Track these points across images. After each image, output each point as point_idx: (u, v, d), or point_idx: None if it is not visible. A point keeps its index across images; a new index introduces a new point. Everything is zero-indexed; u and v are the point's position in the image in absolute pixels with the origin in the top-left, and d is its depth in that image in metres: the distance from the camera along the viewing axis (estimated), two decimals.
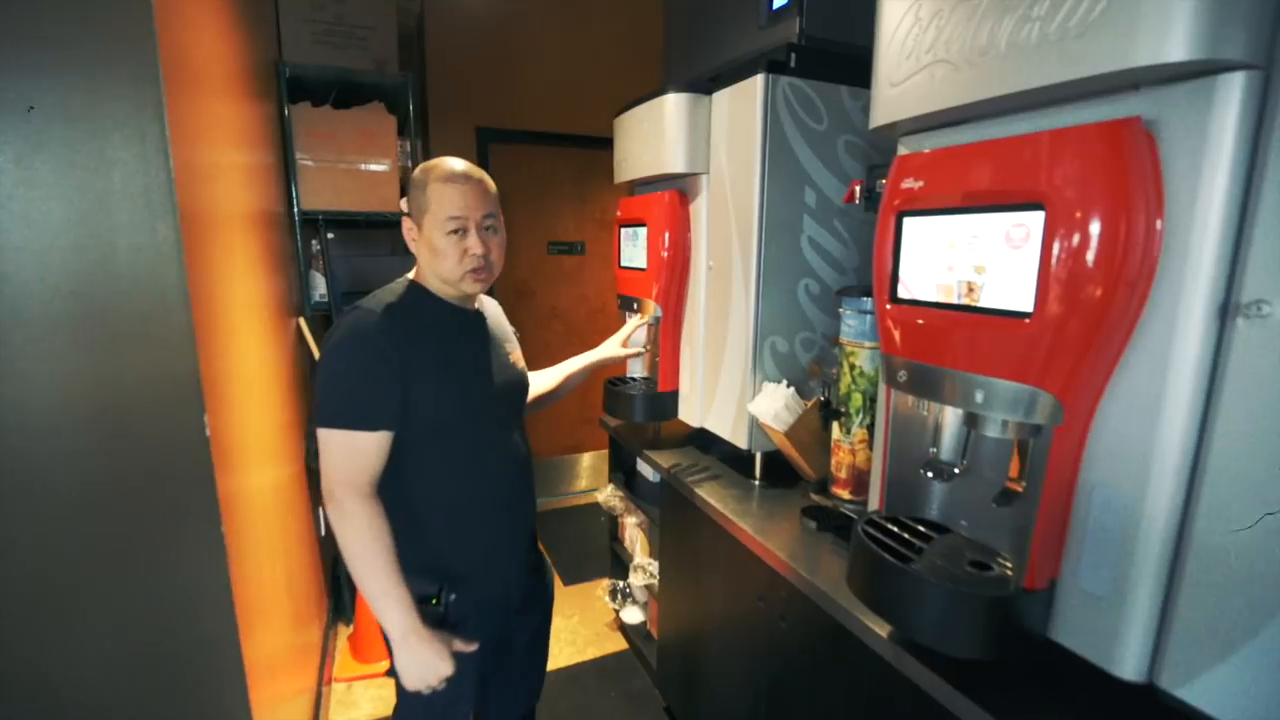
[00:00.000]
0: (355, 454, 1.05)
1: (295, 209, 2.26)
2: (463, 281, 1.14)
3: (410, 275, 1.20)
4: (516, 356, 1.29)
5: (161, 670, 1.01)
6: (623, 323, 1.85)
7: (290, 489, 1.90)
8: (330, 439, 1.05)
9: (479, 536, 1.21)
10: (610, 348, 1.64)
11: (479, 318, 1.24)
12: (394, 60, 2.42)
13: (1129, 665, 0.78)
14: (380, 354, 1.06)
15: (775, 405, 1.51)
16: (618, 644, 2.43)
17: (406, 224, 1.14)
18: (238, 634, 1.08)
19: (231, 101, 1.54)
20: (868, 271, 1.68)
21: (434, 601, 1.15)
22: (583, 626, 2.52)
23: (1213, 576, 0.71)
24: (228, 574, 1.05)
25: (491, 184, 1.16)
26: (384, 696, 2.14)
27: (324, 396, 1.06)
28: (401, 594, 1.05)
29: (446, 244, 1.10)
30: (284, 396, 1.91)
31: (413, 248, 1.15)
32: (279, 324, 1.93)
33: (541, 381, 1.51)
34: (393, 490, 1.11)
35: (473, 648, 1.15)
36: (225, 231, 1.38)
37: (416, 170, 1.14)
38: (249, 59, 1.76)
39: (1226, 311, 0.69)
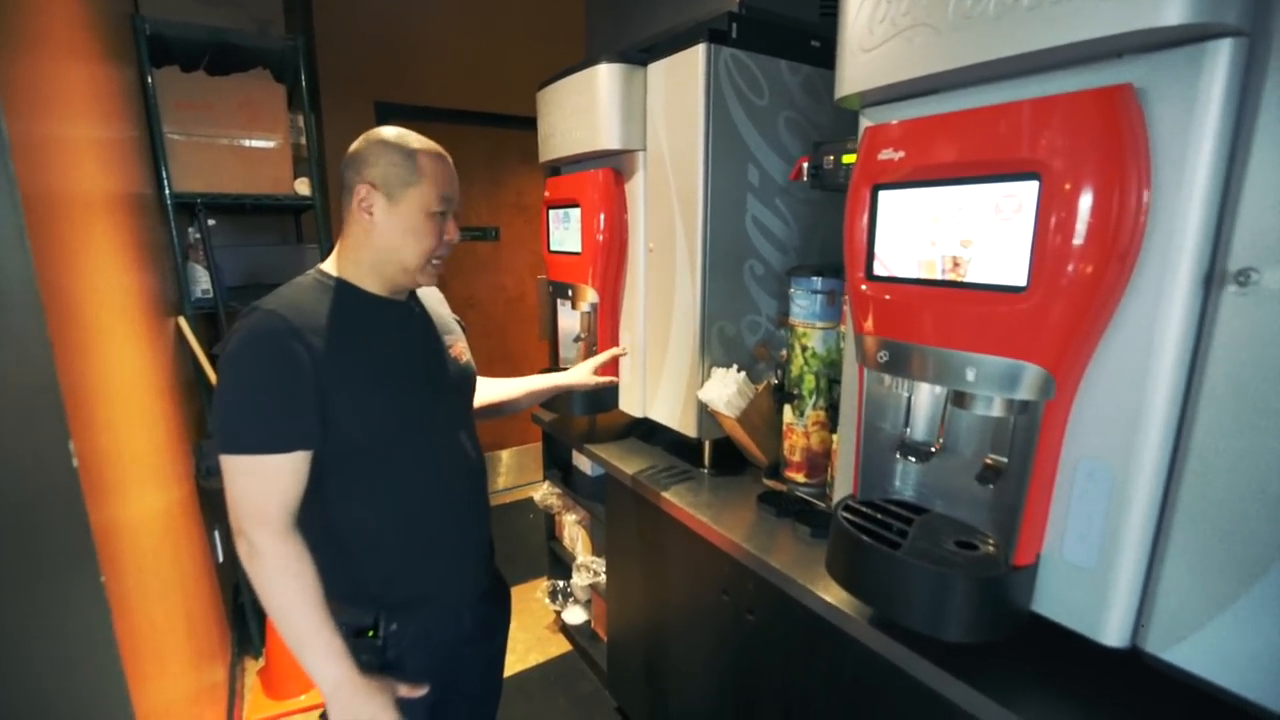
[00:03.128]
0: (265, 482, 0.89)
1: (167, 191, 1.94)
2: (422, 273, 1.01)
3: (325, 266, 1.03)
4: (460, 350, 1.15)
5: None
6: (545, 312, 1.72)
7: (180, 512, 1.65)
8: (234, 466, 0.88)
9: (423, 561, 1.06)
10: (581, 374, 1.50)
11: (414, 309, 1.09)
12: (280, 21, 2.13)
13: (1113, 632, 0.80)
14: (289, 358, 0.90)
15: (727, 391, 1.46)
16: (561, 646, 2.34)
17: (364, 191, 0.96)
18: (126, 685, 0.92)
19: (76, 57, 1.27)
20: (809, 251, 1.67)
21: (371, 634, 1.01)
22: (522, 631, 2.40)
23: (1199, 542, 0.73)
24: (110, 618, 0.89)
25: None
26: None
27: (223, 416, 0.89)
28: (330, 642, 0.90)
29: (428, 226, 0.98)
30: (166, 408, 1.65)
31: (364, 222, 0.97)
32: (155, 325, 1.66)
33: (497, 390, 1.37)
34: (317, 516, 0.96)
35: (421, 691, 1.01)
36: (82, 217, 1.14)
37: (376, 136, 0.98)
38: (94, 8, 1.47)
39: (1211, 280, 0.70)
